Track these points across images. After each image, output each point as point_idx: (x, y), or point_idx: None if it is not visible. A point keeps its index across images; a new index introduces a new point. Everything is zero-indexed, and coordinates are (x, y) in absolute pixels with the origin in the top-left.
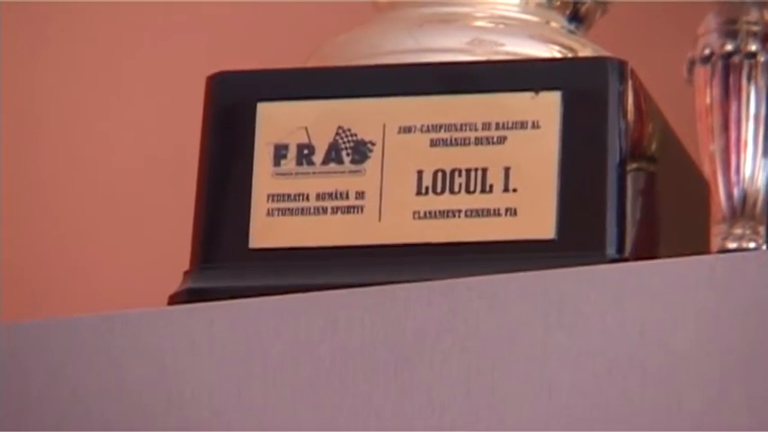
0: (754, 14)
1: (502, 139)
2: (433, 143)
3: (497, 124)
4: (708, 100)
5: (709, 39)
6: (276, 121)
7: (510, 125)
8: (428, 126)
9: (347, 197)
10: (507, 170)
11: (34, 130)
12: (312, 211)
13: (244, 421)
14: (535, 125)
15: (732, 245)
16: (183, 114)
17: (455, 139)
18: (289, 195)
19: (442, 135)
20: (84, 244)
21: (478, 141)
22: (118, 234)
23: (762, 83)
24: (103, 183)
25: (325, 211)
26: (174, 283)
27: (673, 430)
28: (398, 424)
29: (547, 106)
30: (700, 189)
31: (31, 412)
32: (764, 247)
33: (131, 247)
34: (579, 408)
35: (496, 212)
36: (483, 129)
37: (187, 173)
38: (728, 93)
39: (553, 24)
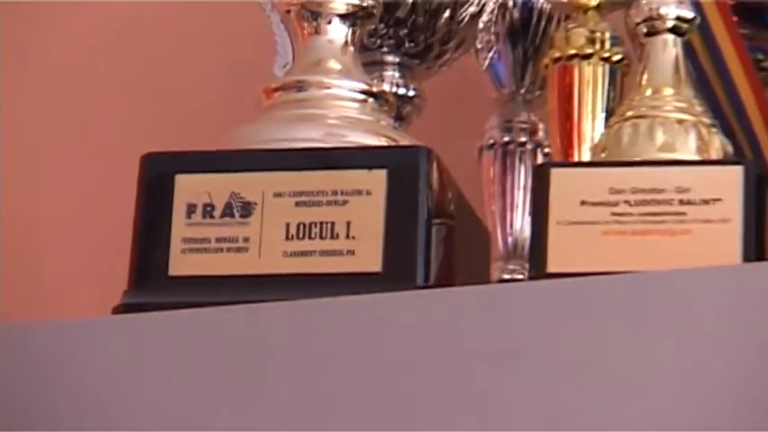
0: (524, 115)
1: (345, 202)
2: (297, 204)
3: (342, 191)
4: (491, 174)
5: (493, 132)
6: (188, 188)
7: (351, 192)
8: (294, 192)
9: (237, 241)
10: (348, 223)
11: None
12: (212, 250)
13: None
14: (368, 192)
15: (507, 276)
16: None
17: (312, 202)
18: (196, 239)
19: (304, 199)
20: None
21: (329, 203)
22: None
23: (529, 163)
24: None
25: (221, 250)
26: (115, 299)
27: None
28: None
29: (377, 179)
30: (483, 237)
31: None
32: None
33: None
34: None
35: (341, 253)
36: (332, 195)
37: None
38: (506, 170)
39: (382, 122)
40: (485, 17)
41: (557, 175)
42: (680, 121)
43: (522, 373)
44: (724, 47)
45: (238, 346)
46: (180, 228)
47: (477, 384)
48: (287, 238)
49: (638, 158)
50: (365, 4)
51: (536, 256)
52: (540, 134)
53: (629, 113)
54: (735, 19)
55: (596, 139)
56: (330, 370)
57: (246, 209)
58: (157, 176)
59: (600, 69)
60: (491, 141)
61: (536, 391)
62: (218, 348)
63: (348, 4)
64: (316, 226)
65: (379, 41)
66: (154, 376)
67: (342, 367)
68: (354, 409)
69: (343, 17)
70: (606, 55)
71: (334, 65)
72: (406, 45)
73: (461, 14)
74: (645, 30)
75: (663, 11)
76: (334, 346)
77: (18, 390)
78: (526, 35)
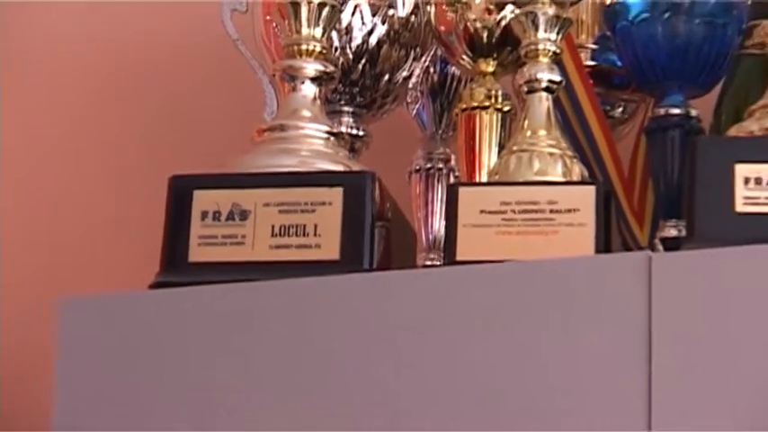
0: (441, 149)
1: (314, 210)
2: (280, 212)
3: (312, 203)
4: (417, 191)
5: (419, 161)
6: (202, 200)
7: (318, 203)
8: (277, 203)
9: (237, 237)
10: (316, 225)
11: None
12: (219, 243)
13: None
14: (330, 204)
15: (428, 263)
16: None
17: (291, 210)
18: (208, 236)
19: (284, 208)
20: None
21: (302, 211)
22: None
23: (444, 183)
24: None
25: (225, 243)
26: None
27: None
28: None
29: (336, 194)
30: (411, 236)
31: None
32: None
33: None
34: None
35: (310, 246)
36: (304, 205)
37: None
38: (428, 188)
39: (340, 154)
40: (413, 79)
41: (463, 192)
42: (551, 154)
43: (438, 334)
44: (582, 100)
45: (239, 311)
46: (197, 228)
47: (404, 344)
48: (272, 235)
49: (520, 180)
50: (328, 71)
51: (448, 249)
52: (453, 162)
53: (515, 148)
54: (591, 81)
55: (491, 167)
56: (303, 328)
57: (244, 215)
58: (181, 192)
59: (494, 117)
60: (417, 167)
61: (451, 351)
62: (223, 313)
63: (316, 71)
64: (293, 227)
65: (338, 96)
66: (178, 330)
67: (310, 325)
68: (322, 357)
69: (312, 79)
70: (499, 107)
71: (306, 113)
72: (358, 99)
73: (397, 77)
74: (526, 89)
75: (539, 76)
76: (306, 311)
77: (86, 351)
78: (443, 92)
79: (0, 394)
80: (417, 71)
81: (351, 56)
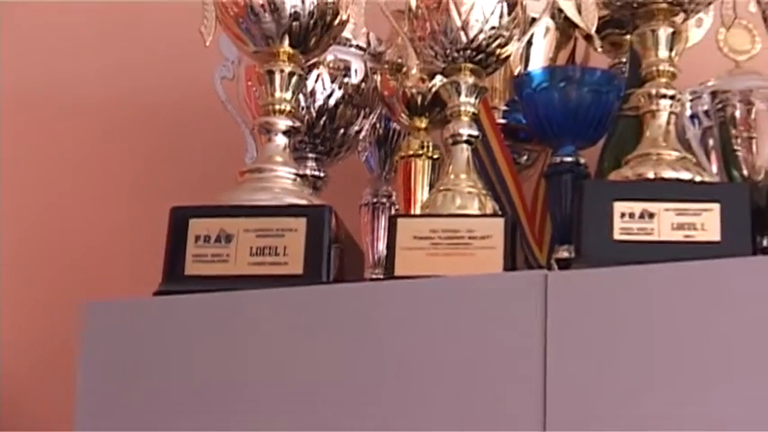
0: (384, 188)
1: (283, 235)
2: (257, 236)
3: (281, 229)
4: (366, 220)
5: (367, 197)
6: (196, 226)
7: (286, 230)
8: (255, 229)
9: (222, 256)
10: (285, 247)
11: None
12: (208, 261)
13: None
14: (296, 230)
15: (374, 277)
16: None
17: (265, 235)
18: (200, 254)
19: (260, 233)
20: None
21: (274, 236)
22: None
23: (386, 215)
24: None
25: (213, 261)
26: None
27: None
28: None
29: (301, 223)
30: (360, 255)
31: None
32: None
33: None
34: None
35: (280, 264)
36: (276, 231)
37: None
38: (374, 218)
39: (305, 191)
40: (363, 133)
41: (401, 221)
42: (469, 192)
43: (379, 333)
44: (495, 150)
45: (225, 314)
46: (191, 248)
47: (352, 341)
48: (251, 254)
49: (445, 213)
50: (296, 126)
51: (389, 267)
52: (393, 198)
53: (441, 187)
54: (502, 135)
55: (423, 202)
56: (274, 328)
57: (228, 238)
58: (179, 219)
59: (426, 163)
60: (365, 201)
61: (385, 349)
62: (212, 316)
63: (286, 126)
64: (267, 248)
65: (303, 145)
66: (179, 329)
67: (279, 326)
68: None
69: (283, 132)
70: (430, 155)
71: (278, 159)
72: (319, 148)
73: (350, 131)
74: (451, 141)
75: (461, 131)
76: (276, 314)
77: (105, 352)
78: (386, 143)
79: (0, 393)
80: (366, 126)
81: (314, 114)
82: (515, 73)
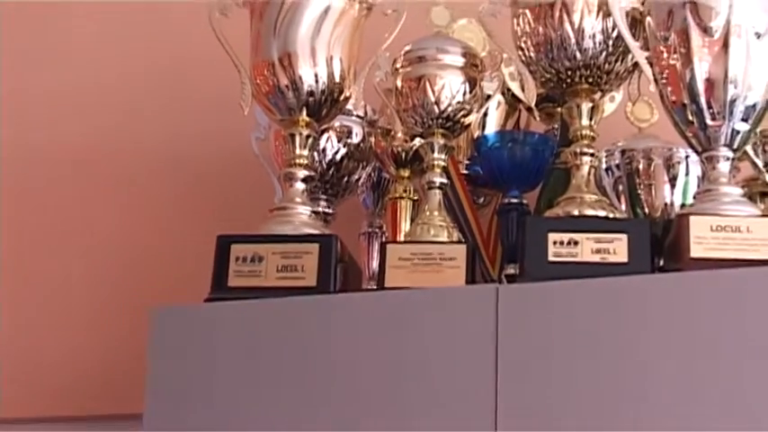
0: (377, 221)
1: (301, 257)
2: (282, 257)
3: (300, 252)
4: (363, 245)
5: (364, 228)
6: (236, 250)
7: (304, 253)
8: (280, 252)
9: (256, 272)
10: (303, 266)
11: None
12: (246, 275)
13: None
14: (310, 253)
15: (369, 287)
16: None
17: (288, 256)
18: (239, 270)
19: (284, 255)
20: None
21: (294, 257)
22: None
23: (379, 241)
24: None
25: (249, 275)
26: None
27: None
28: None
29: (315, 248)
30: (359, 271)
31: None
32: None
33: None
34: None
35: (299, 278)
36: (295, 254)
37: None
38: (369, 244)
39: (318, 224)
40: (362, 180)
41: (390, 247)
42: (441, 225)
43: (372, 334)
44: (460, 193)
45: (256, 317)
46: (233, 266)
47: (354, 339)
48: (277, 271)
49: (423, 240)
50: (311, 175)
51: (381, 279)
52: (384, 229)
53: (419, 221)
54: (465, 182)
55: (406, 232)
56: (294, 328)
57: (260, 259)
58: (223, 244)
59: (408, 203)
60: (363, 231)
61: (385, 345)
62: (248, 317)
63: (304, 175)
64: (289, 266)
65: (317, 190)
66: (229, 330)
67: (298, 326)
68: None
69: (302, 180)
70: (411, 197)
71: (298, 200)
72: (328, 191)
73: (352, 179)
74: (427, 187)
75: (434, 179)
76: (296, 317)
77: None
78: (379, 188)
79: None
80: (364, 175)
81: (325, 166)
82: (475, 136)
